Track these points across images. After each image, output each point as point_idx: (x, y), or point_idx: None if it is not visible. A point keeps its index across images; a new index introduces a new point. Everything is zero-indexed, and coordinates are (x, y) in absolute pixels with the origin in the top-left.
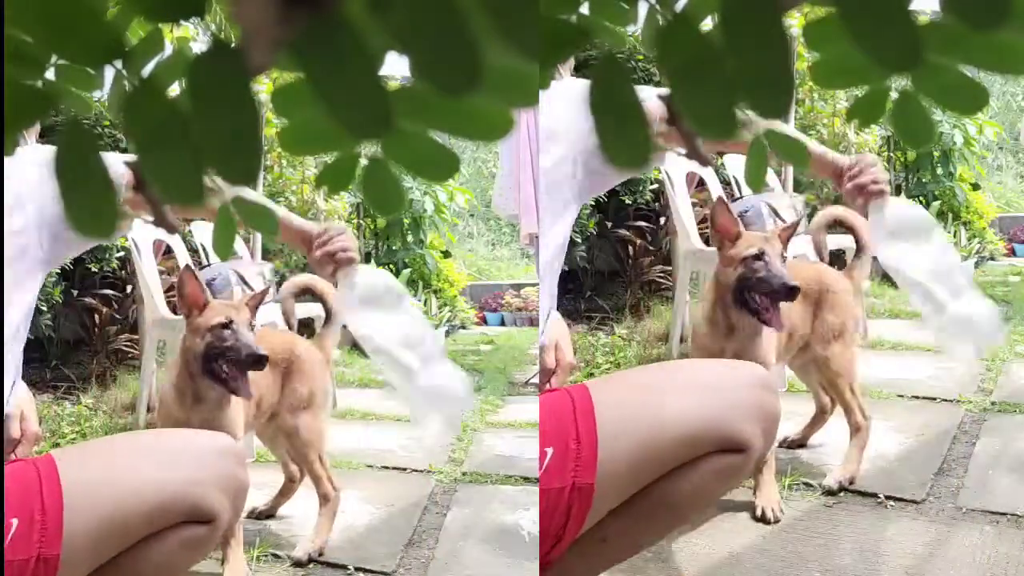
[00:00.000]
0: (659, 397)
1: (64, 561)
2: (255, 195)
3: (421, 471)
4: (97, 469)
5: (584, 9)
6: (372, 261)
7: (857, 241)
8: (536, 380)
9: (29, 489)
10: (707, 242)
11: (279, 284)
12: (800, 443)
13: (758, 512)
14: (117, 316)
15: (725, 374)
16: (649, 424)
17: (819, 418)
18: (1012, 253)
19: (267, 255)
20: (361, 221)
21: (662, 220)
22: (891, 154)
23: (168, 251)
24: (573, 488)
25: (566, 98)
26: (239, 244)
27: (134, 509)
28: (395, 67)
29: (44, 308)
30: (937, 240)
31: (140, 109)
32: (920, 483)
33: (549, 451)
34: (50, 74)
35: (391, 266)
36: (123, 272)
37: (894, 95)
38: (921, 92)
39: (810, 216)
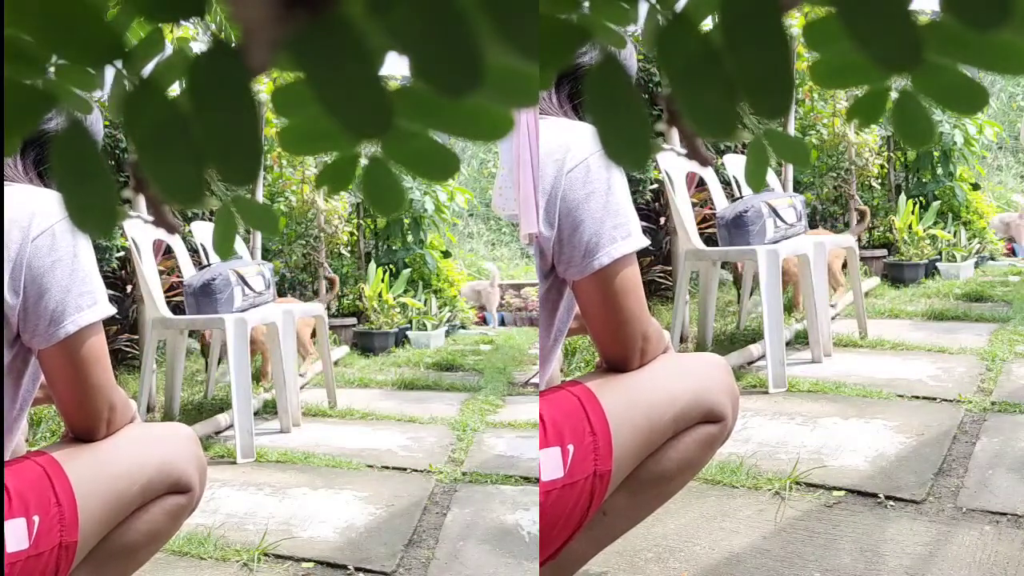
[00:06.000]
0: (651, 384)
1: (79, 545)
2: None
3: (421, 471)
4: (94, 460)
5: (584, 9)
6: (372, 261)
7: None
8: (536, 380)
9: (41, 485)
10: (707, 242)
11: (279, 284)
12: None
13: None
14: (117, 316)
15: (698, 361)
16: (648, 409)
17: None
18: (1012, 253)
19: (267, 255)
20: (361, 221)
21: (662, 220)
22: (891, 154)
23: (168, 251)
24: (595, 475)
25: None
26: (239, 244)
27: (128, 488)
28: (395, 67)
29: None
30: None
31: (140, 109)
32: (920, 483)
33: (571, 448)
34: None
35: (391, 266)
36: (123, 272)
37: (894, 95)
38: (921, 92)
39: (811, 216)
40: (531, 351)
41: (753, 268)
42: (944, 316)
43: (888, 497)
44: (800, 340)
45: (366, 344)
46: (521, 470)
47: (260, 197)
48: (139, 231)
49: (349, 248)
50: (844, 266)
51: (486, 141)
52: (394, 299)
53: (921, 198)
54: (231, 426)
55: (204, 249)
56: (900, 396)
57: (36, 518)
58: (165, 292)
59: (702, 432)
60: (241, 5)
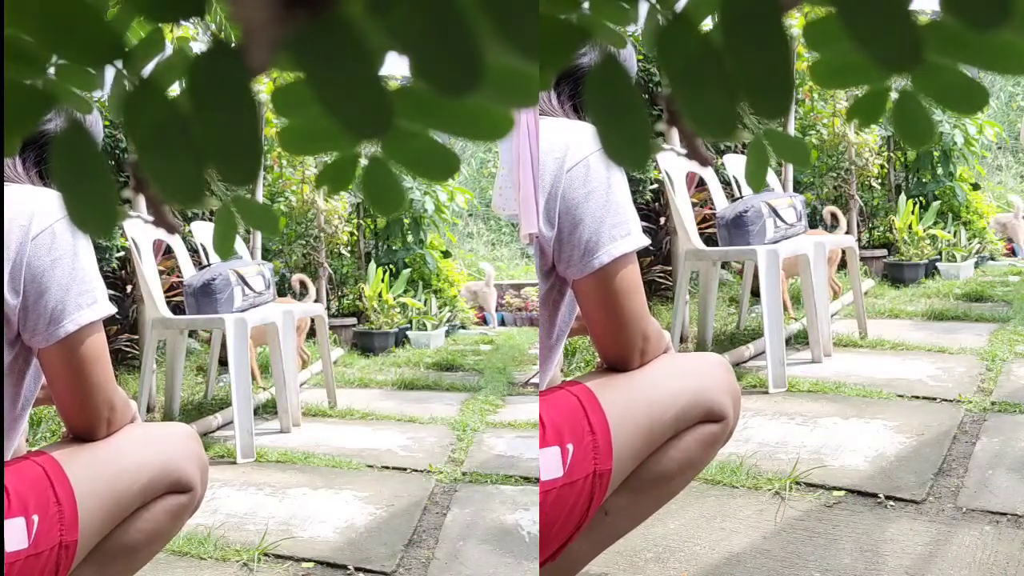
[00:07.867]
0: (651, 384)
1: (79, 544)
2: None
3: (421, 471)
4: (94, 459)
5: (584, 9)
6: (372, 261)
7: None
8: (536, 380)
9: (40, 485)
10: (707, 242)
11: (279, 284)
12: None
13: None
14: (117, 316)
15: (699, 361)
16: (648, 408)
17: None
18: (1012, 253)
19: (267, 255)
20: (361, 221)
21: (662, 220)
22: (891, 154)
23: (168, 251)
24: (594, 475)
25: None
26: (239, 244)
27: (128, 488)
28: (395, 67)
29: None
30: None
31: (140, 109)
32: (920, 483)
33: (570, 447)
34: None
35: (391, 266)
36: (123, 272)
37: (894, 95)
38: (921, 92)
39: (811, 216)
40: (531, 351)
41: (752, 268)
42: (944, 316)
43: (888, 497)
44: (800, 340)
45: (366, 344)
46: (521, 470)
47: (260, 197)
48: (139, 231)
49: (349, 248)
50: (842, 267)
51: (486, 141)
52: (394, 299)
53: (921, 198)
54: (223, 426)
55: (204, 249)
56: (900, 396)
57: (35, 517)
58: (165, 292)
59: (703, 431)
60: (241, 5)
